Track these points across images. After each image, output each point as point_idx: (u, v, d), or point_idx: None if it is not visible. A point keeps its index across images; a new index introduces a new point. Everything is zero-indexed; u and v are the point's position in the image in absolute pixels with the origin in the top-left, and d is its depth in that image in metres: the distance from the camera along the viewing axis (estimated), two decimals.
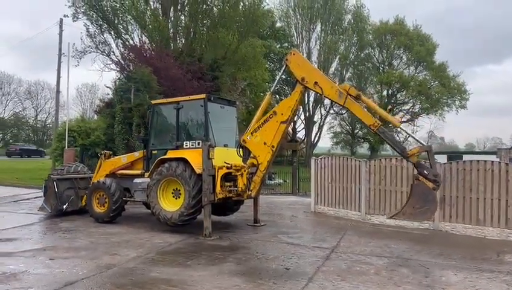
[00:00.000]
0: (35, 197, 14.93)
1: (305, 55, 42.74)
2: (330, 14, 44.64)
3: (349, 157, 13.38)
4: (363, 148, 58.50)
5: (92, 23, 26.24)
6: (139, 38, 26.03)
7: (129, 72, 21.24)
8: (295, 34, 46.30)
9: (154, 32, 24.99)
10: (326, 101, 46.01)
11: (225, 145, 10.27)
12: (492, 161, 10.40)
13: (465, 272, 6.94)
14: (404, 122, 52.22)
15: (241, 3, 28.16)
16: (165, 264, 7.14)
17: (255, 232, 10.10)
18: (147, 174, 10.35)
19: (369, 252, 8.30)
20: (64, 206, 11.64)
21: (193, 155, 9.53)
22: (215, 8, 27.58)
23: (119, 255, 7.67)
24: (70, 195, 11.94)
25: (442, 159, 18.23)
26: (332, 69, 45.63)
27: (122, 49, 25.51)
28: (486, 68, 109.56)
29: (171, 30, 26.30)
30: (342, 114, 49.49)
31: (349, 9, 46.66)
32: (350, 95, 8.42)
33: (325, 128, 51.35)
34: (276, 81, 11.14)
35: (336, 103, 9.04)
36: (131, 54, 23.41)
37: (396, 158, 11.75)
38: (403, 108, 51.28)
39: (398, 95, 50.23)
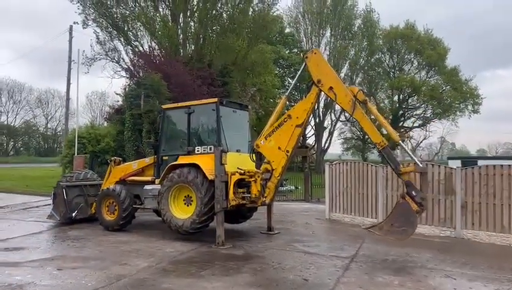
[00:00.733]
0: (45, 205, 14.69)
1: None
2: (340, 19, 44.20)
3: (365, 162, 12.99)
4: (374, 154, 57.84)
5: (101, 30, 26.32)
6: (149, 45, 25.98)
7: (139, 79, 21.11)
8: (304, 39, 45.95)
9: (164, 38, 24.87)
10: (337, 107, 45.73)
11: (238, 151, 9.95)
12: None
13: (496, 284, 6.52)
14: (415, 127, 51.64)
15: (251, 9, 28.04)
16: (178, 275, 6.81)
17: (270, 241, 9.75)
18: (157, 180, 10.05)
19: (390, 261, 7.91)
20: (74, 214, 11.38)
21: (205, 161, 9.23)
22: (224, 14, 27.46)
23: (129, 265, 7.36)
24: (80, 202, 11.67)
25: (456, 164, 17.75)
26: (342, 75, 45.06)
27: (132, 56, 25.46)
28: (496, 73, 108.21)
29: (181, 36, 26.17)
30: (353, 121, 48.92)
31: (359, 14, 46.26)
32: (357, 99, 8.12)
33: (335, 134, 50.83)
34: (294, 81, 10.84)
35: (346, 112, 8.71)
36: (140, 60, 23.33)
37: (414, 163, 11.33)
38: (414, 113, 50.60)
39: (410, 100, 49.52)
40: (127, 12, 26.30)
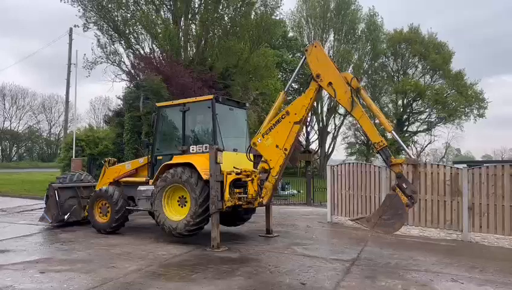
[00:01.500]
0: (40, 208, 14.28)
1: None
2: (343, 23, 43.89)
3: (368, 163, 12.56)
4: (379, 159, 57.23)
5: (102, 33, 26.07)
6: (150, 48, 25.75)
7: (138, 81, 20.85)
8: (308, 43, 45.67)
9: (165, 41, 24.61)
10: (341, 111, 45.30)
11: (235, 150, 9.57)
12: None
13: (507, 289, 6.08)
14: (419, 132, 51.03)
15: (253, 12, 27.76)
16: (167, 278, 6.42)
17: (267, 243, 9.32)
18: (151, 181, 9.68)
19: (394, 265, 7.46)
20: (66, 217, 11.02)
21: (200, 160, 8.85)
22: (226, 17, 27.19)
23: (117, 268, 6.97)
24: (73, 204, 11.31)
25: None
26: None
27: (133, 59, 25.19)
28: (500, 79, 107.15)
29: (182, 39, 25.93)
30: (356, 125, 48.46)
31: (363, 18, 45.90)
32: (351, 86, 7.83)
33: (339, 138, 50.33)
34: (293, 76, 10.38)
35: (345, 109, 8.33)
36: (141, 63, 23.07)
37: (419, 164, 10.92)
38: (419, 117, 50.05)
39: (414, 105, 49.03)
40: (128, 15, 26.10)
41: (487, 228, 9.66)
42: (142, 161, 10.55)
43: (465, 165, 10.60)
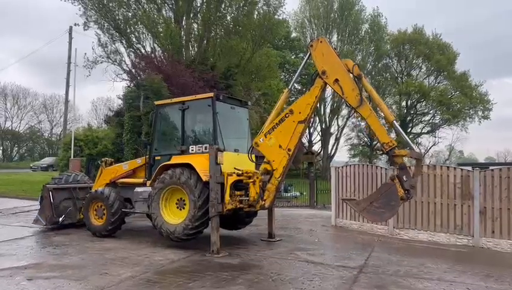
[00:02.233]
0: (36, 210, 13.92)
1: None
2: (347, 24, 43.46)
3: (374, 165, 12.12)
4: (382, 161, 56.77)
5: (103, 32, 25.68)
6: (151, 48, 25.38)
7: (139, 80, 20.49)
8: None
9: (166, 40, 24.24)
10: (344, 112, 44.88)
11: (236, 150, 9.16)
12: None
13: None
14: (423, 133, 50.51)
15: (256, 12, 27.38)
16: (162, 287, 6.01)
17: (270, 249, 8.90)
18: (148, 182, 9.27)
19: (404, 272, 7.04)
20: (60, 219, 10.62)
21: (199, 161, 8.43)
22: (228, 16, 26.81)
23: (110, 274, 6.56)
24: (68, 206, 10.90)
25: None
26: None
27: (134, 58, 24.83)
28: (503, 81, 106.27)
29: (184, 38, 25.56)
30: (359, 126, 47.99)
31: (366, 18, 45.47)
32: (352, 73, 7.52)
33: (342, 140, 49.83)
34: (297, 74, 9.94)
35: (352, 108, 7.90)
36: (142, 62, 22.71)
37: (428, 166, 10.51)
38: (423, 119, 49.53)
39: (418, 106, 48.51)
40: (130, 14, 25.75)
41: (500, 233, 9.21)
42: (140, 161, 10.15)
43: (470, 168, 10.17)
